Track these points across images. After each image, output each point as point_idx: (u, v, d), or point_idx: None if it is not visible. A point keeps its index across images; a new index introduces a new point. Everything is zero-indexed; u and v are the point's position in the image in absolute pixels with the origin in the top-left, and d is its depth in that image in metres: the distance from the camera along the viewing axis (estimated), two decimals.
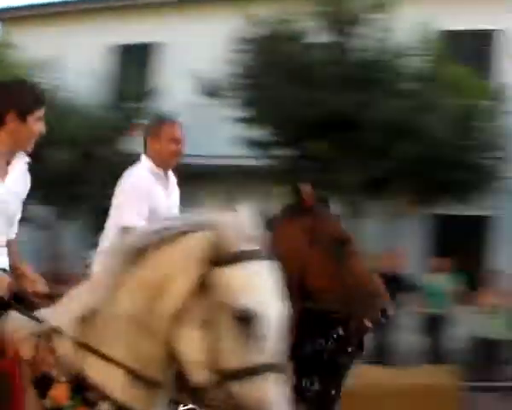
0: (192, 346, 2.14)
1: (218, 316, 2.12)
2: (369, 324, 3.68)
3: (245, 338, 2.10)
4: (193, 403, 2.42)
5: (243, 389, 2.08)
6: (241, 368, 2.09)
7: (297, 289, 3.51)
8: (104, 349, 2.26)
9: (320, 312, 3.65)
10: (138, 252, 2.25)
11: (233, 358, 2.10)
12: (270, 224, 3.62)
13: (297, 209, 3.84)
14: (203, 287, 2.14)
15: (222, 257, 2.14)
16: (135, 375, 2.24)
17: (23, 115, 2.75)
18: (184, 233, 2.21)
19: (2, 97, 2.78)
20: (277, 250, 3.43)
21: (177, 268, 2.18)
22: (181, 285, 2.16)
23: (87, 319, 2.30)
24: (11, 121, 2.74)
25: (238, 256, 2.15)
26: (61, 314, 2.38)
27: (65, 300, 2.44)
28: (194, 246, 2.18)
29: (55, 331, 2.33)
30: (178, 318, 2.15)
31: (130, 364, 2.24)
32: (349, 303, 3.60)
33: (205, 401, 2.17)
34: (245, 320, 2.10)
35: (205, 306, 2.13)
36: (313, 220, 3.74)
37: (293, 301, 3.50)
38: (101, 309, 2.28)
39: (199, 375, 2.13)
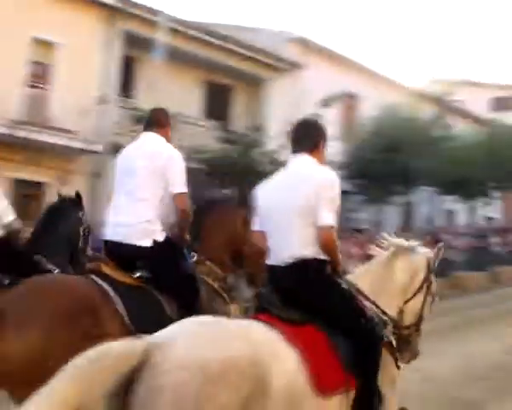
0: (417, 306, 4.44)
1: (429, 294, 4.55)
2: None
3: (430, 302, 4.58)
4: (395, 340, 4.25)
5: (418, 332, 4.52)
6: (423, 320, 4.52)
7: (235, 257, 5.29)
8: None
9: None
10: (403, 250, 4.51)
11: (426, 313, 4.51)
12: (211, 206, 5.54)
13: (239, 202, 5.59)
14: (427, 281, 4.56)
15: (432, 268, 4.57)
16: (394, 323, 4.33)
17: (324, 145, 4.10)
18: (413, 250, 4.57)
19: (321, 131, 4.11)
20: (225, 229, 5.34)
21: (419, 268, 4.53)
22: (421, 277, 4.50)
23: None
24: (322, 147, 4.07)
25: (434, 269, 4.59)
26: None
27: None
28: (427, 259, 4.57)
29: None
30: (416, 291, 4.46)
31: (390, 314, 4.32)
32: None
33: (405, 338, 4.36)
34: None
35: (428, 289, 4.52)
36: (246, 212, 5.24)
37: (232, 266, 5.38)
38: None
39: (411, 321, 4.41)
